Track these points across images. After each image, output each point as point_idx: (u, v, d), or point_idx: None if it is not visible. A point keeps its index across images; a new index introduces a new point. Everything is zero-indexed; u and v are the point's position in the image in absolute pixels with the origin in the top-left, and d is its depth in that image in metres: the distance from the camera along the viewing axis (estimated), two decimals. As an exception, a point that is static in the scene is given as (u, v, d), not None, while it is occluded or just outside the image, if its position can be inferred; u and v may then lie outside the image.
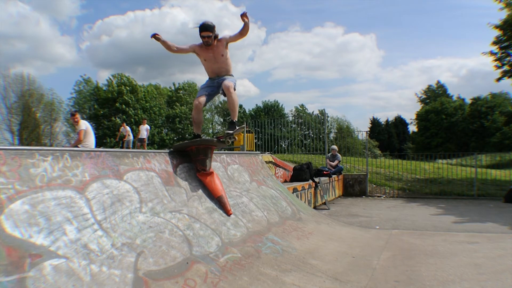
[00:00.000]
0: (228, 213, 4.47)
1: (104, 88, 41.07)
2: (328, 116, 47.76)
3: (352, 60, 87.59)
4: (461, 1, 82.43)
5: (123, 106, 39.48)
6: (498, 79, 15.57)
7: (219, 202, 4.52)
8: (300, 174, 9.67)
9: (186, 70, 73.63)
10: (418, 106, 60.63)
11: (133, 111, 40.08)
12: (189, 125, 44.48)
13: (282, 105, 52.16)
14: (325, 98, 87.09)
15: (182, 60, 71.08)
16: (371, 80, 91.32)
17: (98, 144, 18.36)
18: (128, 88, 40.61)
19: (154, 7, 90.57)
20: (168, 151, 4.77)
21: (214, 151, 5.03)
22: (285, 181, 9.53)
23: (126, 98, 39.91)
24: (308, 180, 9.30)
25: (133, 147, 17.02)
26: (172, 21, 71.98)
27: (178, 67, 75.52)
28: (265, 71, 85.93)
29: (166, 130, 45.93)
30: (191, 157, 4.75)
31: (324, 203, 9.37)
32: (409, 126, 64.02)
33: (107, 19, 77.72)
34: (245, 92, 78.04)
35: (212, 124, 51.75)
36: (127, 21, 71.58)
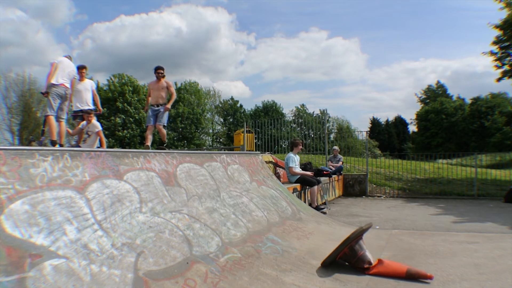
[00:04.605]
0: (429, 277, 3.59)
1: (104, 88, 41.06)
2: (329, 116, 48.07)
3: (338, 63, 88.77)
4: (445, 3, 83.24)
5: (125, 105, 39.47)
6: (499, 79, 15.53)
7: (412, 276, 3.64)
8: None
9: (175, 71, 74.26)
10: (410, 107, 60.90)
11: (134, 110, 40.07)
12: (191, 125, 44.47)
13: (280, 105, 52.34)
14: (316, 99, 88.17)
15: (171, 62, 71.82)
16: (359, 82, 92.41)
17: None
18: (130, 88, 40.61)
19: (146, 11, 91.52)
20: (168, 151, 4.77)
21: (214, 152, 5.03)
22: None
23: (128, 97, 39.91)
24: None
25: None
26: (165, 26, 72.34)
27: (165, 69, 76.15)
28: (256, 73, 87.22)
29: (166, 129, 45.91)
30: (350, 259, 3.94)
31: (324, 203, 9.36)
32: (409, 126, 64.19)
33: (95, 25, 79.24)
34: (239, 94, 79.81)
35: (212, 123, 51.76)
36: (114, 26, 72.47)
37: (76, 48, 74.05)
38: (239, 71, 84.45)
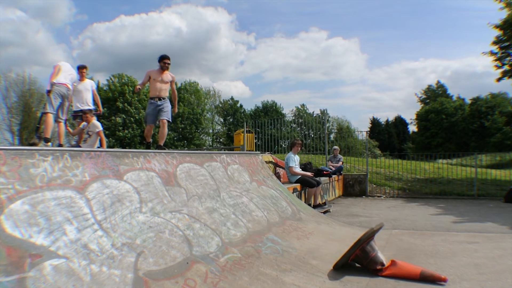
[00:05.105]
0: (444, 280, 3.53)
1: (104, 88, 41.07)
2: (329, 116, 48.06)
3: (338, 63, 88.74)
4: (445, 3, 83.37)
5: (125, 105, 39.48)
6: (499, 79, 15.54)
7: (426, 278, 3.56)
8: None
9: (175, 71, 73.98)
10: (410, 107, 60.83)
11: (134, 110, 40.11)
12: (191, 125, 44.46)
13: (280, 105, 52.41)
14: (316, 99, 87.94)
15: (171, 62, 71.68)
16: (359, 82, 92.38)
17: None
18: (130, 88, 40.66)
19: (146, 11, 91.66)
20: (168, 151, 4.77)
21: (214, 152, 5.03)
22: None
23: (128, 97, 39.95)
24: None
25: None
26: (165, 26, 72.34)
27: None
28: (256, 74, 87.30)
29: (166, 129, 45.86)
30: (362, 261, 3.86)
31: (324, 203, 9.36)
32: (409, 126, 64.23)
33: (95, 25, 79.38)
34: (239, 94, 79.69)
35: (212, 123, 51.76)
36: (114, 26, 72.48)
37: (76, 48, 74.17)
38: (239, 71, 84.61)
